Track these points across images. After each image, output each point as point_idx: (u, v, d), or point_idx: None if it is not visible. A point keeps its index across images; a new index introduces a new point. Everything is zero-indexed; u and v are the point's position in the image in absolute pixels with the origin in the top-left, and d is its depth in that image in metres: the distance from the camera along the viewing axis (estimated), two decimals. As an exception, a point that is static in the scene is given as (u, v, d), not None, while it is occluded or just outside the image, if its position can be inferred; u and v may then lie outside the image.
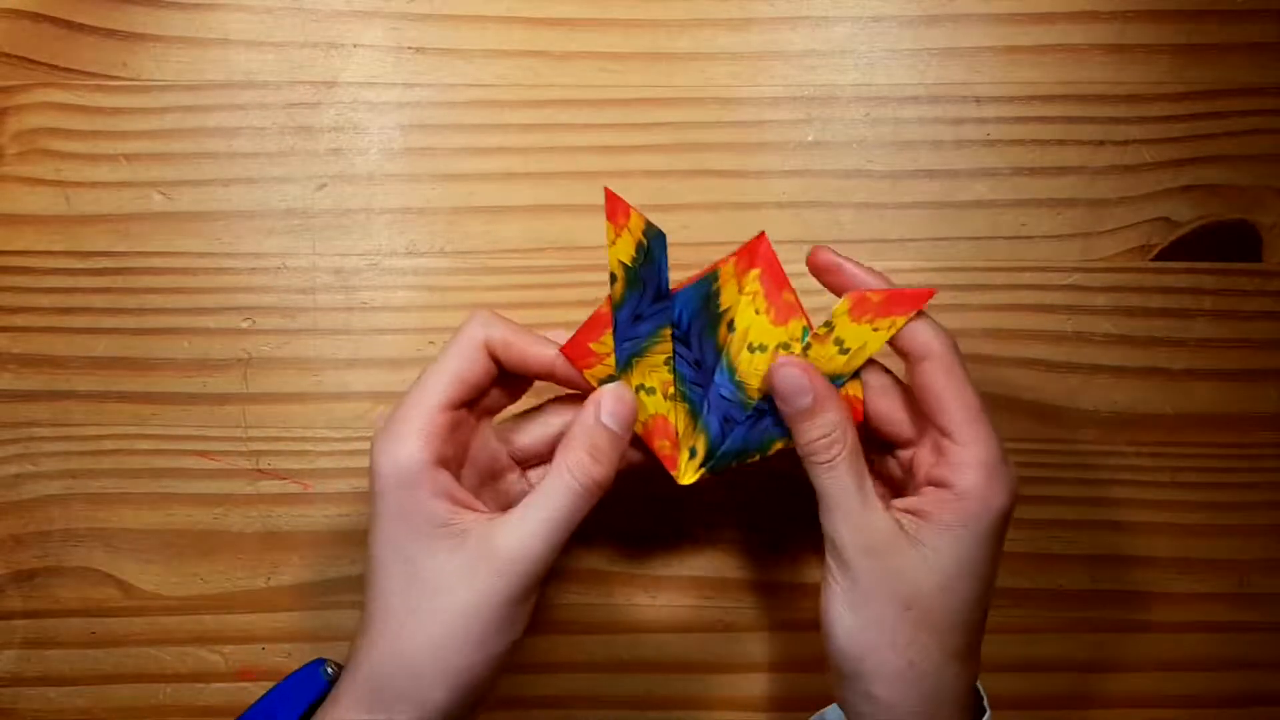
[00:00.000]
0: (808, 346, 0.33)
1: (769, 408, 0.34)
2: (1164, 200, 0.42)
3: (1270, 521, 0.42)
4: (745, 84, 0.42)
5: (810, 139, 0.42)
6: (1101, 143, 0.42)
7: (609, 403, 0.33)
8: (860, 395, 0.34)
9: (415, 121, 0.42)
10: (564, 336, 0.34)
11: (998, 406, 0.41)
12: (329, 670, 0.36)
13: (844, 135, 0.42)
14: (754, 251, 0.35)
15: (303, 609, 0.42)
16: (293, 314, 0.42)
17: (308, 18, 0.42)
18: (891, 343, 0.33)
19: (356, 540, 0.42)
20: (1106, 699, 0.42)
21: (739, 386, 0.34)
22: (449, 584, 0.30)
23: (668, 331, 0.34)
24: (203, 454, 0.41)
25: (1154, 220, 0.42)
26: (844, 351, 0.33)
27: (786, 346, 0.34)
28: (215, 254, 0.42)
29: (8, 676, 0.42)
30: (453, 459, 0.32)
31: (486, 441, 0.35)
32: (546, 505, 0.31)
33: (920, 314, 0.33)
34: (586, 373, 0.34)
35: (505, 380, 0.34)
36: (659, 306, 0.33)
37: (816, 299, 0.34)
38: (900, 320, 0.32)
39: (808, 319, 0.34)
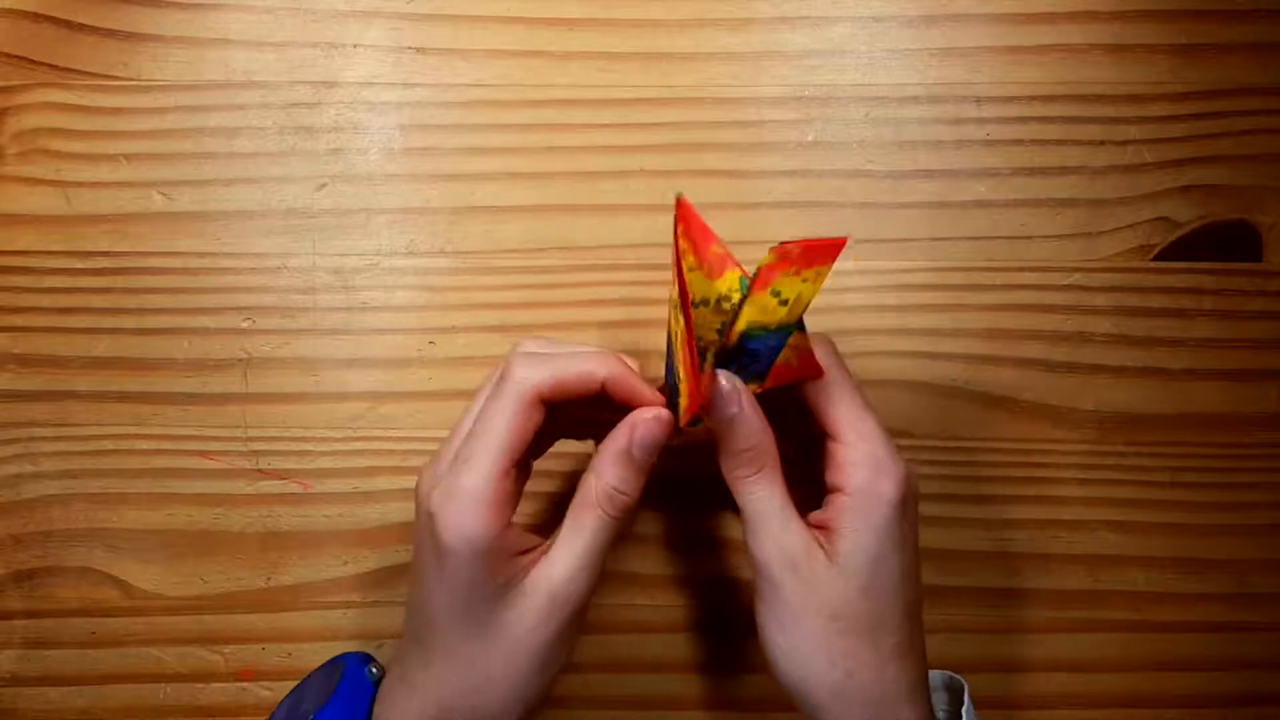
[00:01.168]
0: (746, 296, 0.32)
1: (733, 355, 0.34)
2: (1164, 200, 0.42)
3: (1270, 521, 0.42)
4: (745, 84, 0.42)
5: (810, 139, 0.42)
6: (1101, 143, 0.41)
7: (640, 433, 0.33)
8: (809, 346, 0.33)
9: (415, 121, 0.42)
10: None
11: (997, 406, 0.41)
12: (373, 671, 0.37)
13: (844, 135, 0.42)
14: (679, 216, 0.34)
15: (303, 609, 0.42)
16: (293, 314, 0.42)
17: (308, 18, 0.42)
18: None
19: (356, 540, 0.42)
20: (1106, 699, 0.42)
21: (696, 340, 0.34)
22: (511, 628, 0.32)
23: None
24: (203, 454, 0.42)
25: (1154, 220, 0.42)
26: (783, 303, 0.33)
27: (727, 299, 0.34)
28: (215, 254, 0.42)
29: (8, 676, 0.42)
30: (513, 507, 0.33)
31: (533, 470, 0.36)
32: (580, 539, 0.32)
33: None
34: None
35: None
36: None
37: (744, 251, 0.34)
38: (825, 270, 0.32)
39: (742, 269, 0.34)
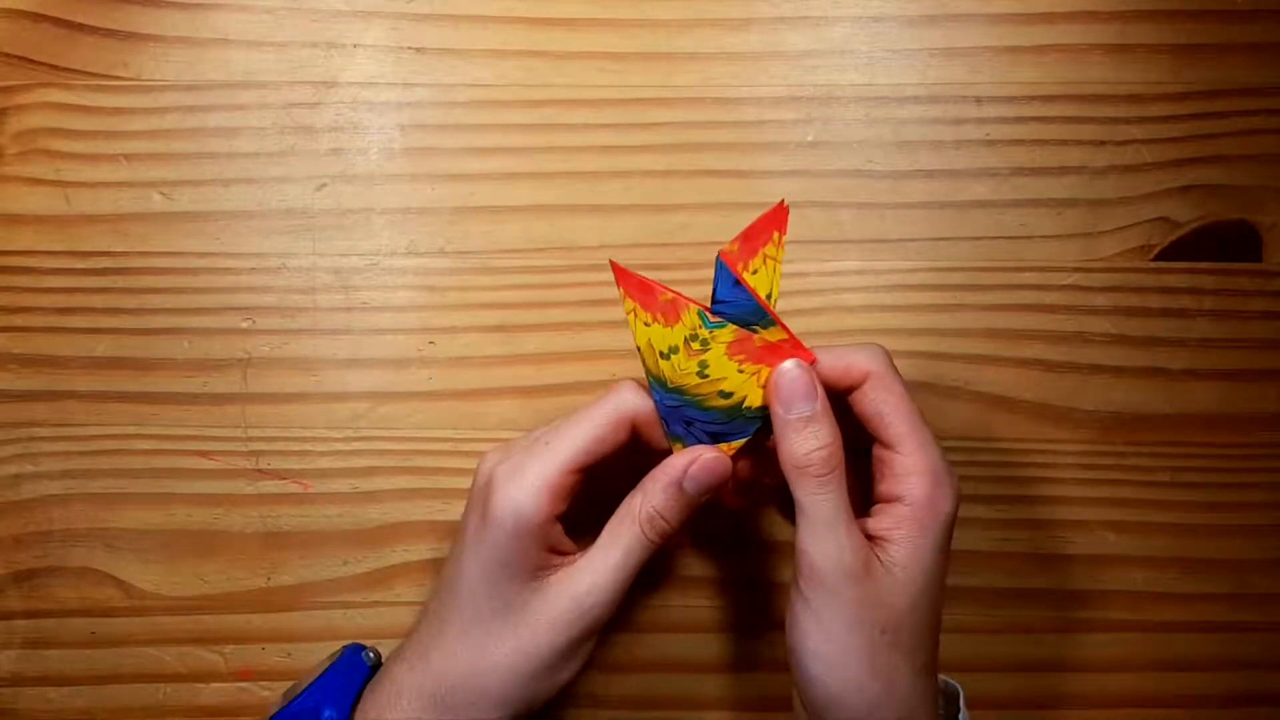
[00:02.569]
0: (720, 325, 0.32)
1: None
2: (1164, 200, 0.42)
3: (1270, 521, 0.42)
4: (745, 84, 0.42)
5: (810, 139, 0.42)
6: (1101, 143, 0.42)
7: (696, 469, 0.33)
8: (789, 336, 0.32)
9: (415, 121, 0.42)
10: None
11: (998, 407, 0.41)
12: (370, 655, 0.37)
13: (844, 135, 0.42)
14: (616, 280, 0.33)
15: (303, 609, 0.42)
16: (293, 314, 0.42)
17: (308, 18, 0.42)
18: (828, 372, 0.33)
19: (356, 540, 0.42)
20: (1107, 699, 0.42)
21: (679, 391, 0.33)
22: (531, 623, 0.33)
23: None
24: (203, 454, 0.42)
25: (1154, 220, 0.42)
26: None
27: (694, 336, 0.32)
28: (215, 254, 0.42)
29: (8, 676, 0.42)
30: (567, 511, 0.34)
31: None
32: (615, 552, 0.33)
33: (855, 346, 0.33)
34: None
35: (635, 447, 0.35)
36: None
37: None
38: (773, 246, 0.32)
39: (697, 303, 0.32)
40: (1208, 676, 0.42)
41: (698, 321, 0.32)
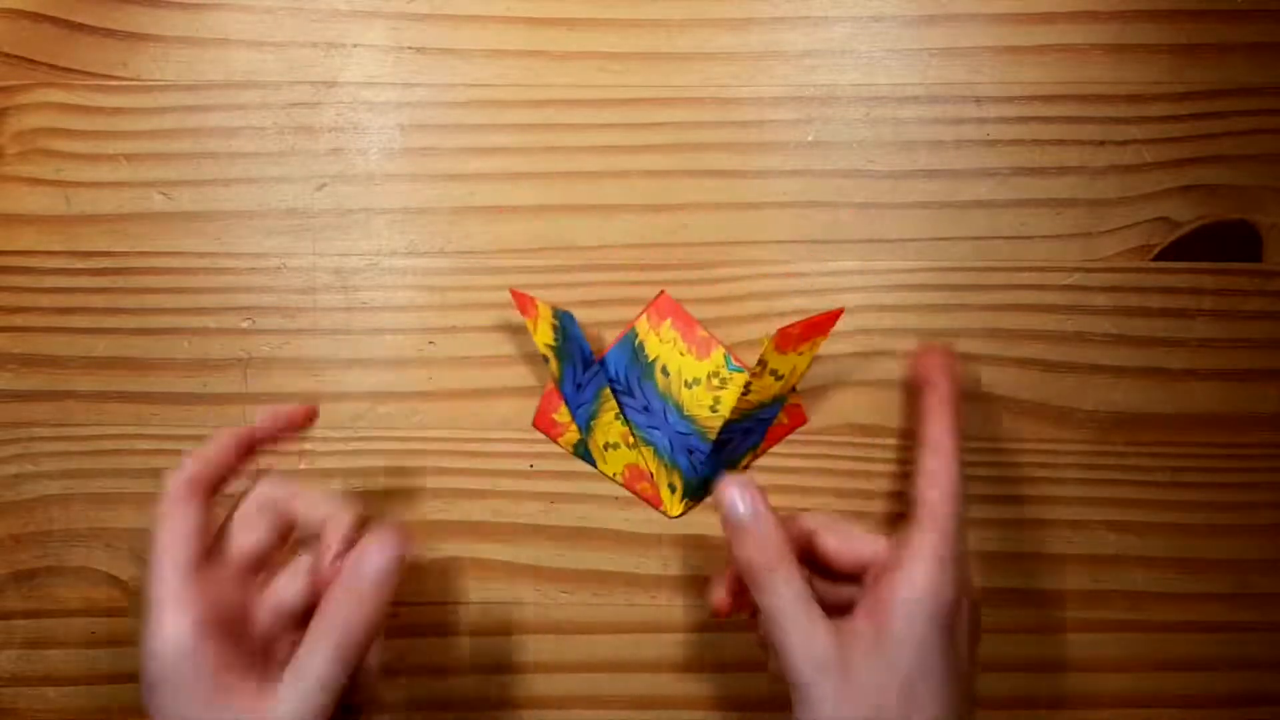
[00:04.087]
0: (749, 382, 0.37)
1: (728, 436, 0.38)
2: (1164, 200, 0.42)
3: (1270, 521, 0.42)
4: (745, 84, 0.42)
5: (810, 139, 0.42)
6: (1101, 143, 0.41)
7: (369, 556, 0.31)
8: (799, 402, 0.40)
9: (415, 121, 0.42)
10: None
11: (998, 406, 0.41)
12: None
13: (844, 135, 0.42)
14: (660, 308, 0.40)
15: (303, 609, 0.42)
16: (293, 314, 0.42)
17: (308, 18, 0.42)
18: (834, 557, 0.34)
19: (356, 540, 0.42)
20: (1107, 699, 0.42)
21: (690, 420, 0.40)
22: None
23: (607, 391, 0.39)
24: (203, 454, 0.41)
25: (1154, 220, 0.42)
26: (779, 379, 0.38)
27: (715, 374, 0.40)
28: (215, 254, 0.42)
29: (8, 676, 0.42)
30: (227, 622, 0.31)
31: (264, 600, 0.34)
32: (310, 672, 0.30)
33: (946, 354, 0.37)
34: (560, 440, 0.40)
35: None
36: (591, 372, 0.39)
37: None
38: (821, 340, 0.38)
39: (725, 347, 0.40)
40: (1208, 676, 0.42)
41: (721, 363, 0.40)
